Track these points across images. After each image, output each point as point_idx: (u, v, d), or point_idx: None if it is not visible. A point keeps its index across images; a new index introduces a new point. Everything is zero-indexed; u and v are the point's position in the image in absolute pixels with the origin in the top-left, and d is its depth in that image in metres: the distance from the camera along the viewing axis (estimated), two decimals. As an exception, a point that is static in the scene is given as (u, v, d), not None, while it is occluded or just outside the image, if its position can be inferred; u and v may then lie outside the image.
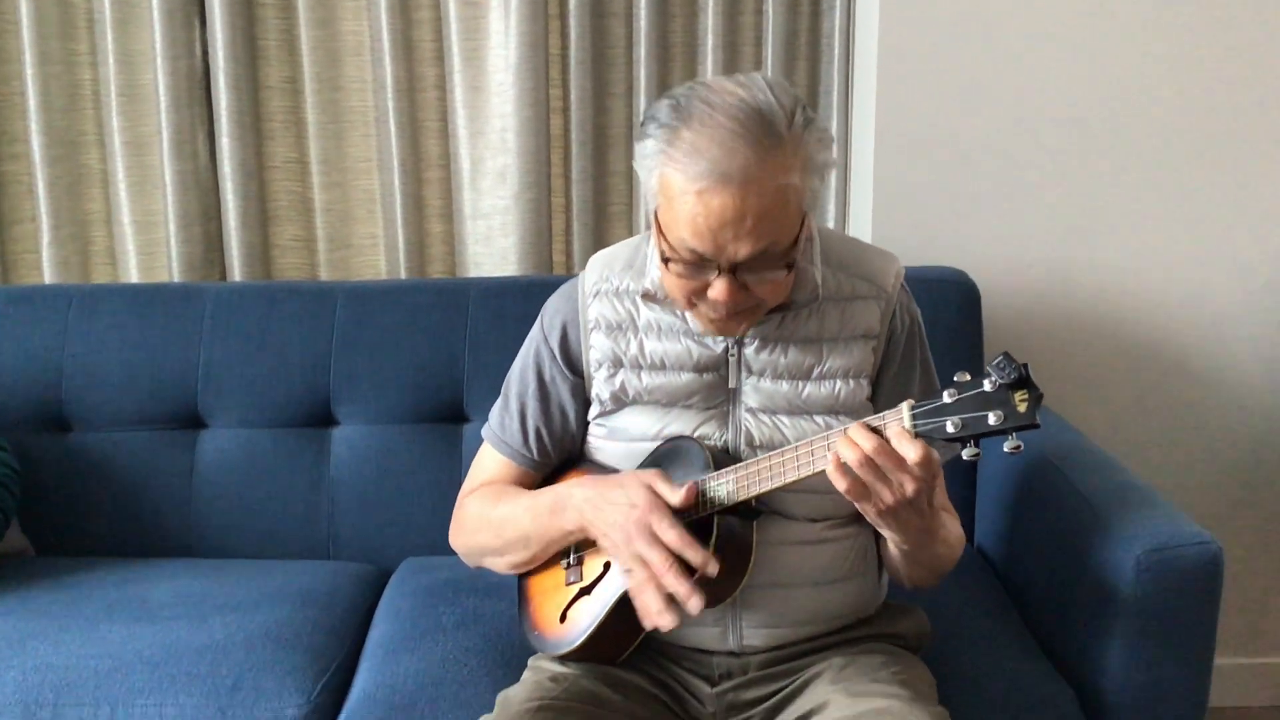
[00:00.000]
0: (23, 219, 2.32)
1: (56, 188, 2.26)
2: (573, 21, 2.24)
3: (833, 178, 2.33)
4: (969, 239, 2.17)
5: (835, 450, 1.22)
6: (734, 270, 1.26)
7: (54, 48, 2.23)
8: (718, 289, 1.27)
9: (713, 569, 1.26)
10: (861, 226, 2.23)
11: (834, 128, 2.31)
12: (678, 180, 1.24)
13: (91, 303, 2.04)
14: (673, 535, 1.27)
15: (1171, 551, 1.48)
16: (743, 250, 1.24)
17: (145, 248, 2.31)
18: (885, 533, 1.32)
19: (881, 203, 2.17)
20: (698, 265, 1.27)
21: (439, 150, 2.34)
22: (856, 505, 1.25)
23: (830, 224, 2.35)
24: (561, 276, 2.09)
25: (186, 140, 2.25)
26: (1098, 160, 2.16)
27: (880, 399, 1.44)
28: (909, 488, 1.21)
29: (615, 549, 1.33)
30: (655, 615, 1.26)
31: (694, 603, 1.24)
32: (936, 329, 1.60)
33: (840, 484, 1.22)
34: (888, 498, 1.22)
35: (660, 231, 1.30)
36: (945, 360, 1.55)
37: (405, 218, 2.30)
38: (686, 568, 1.26)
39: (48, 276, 2.28)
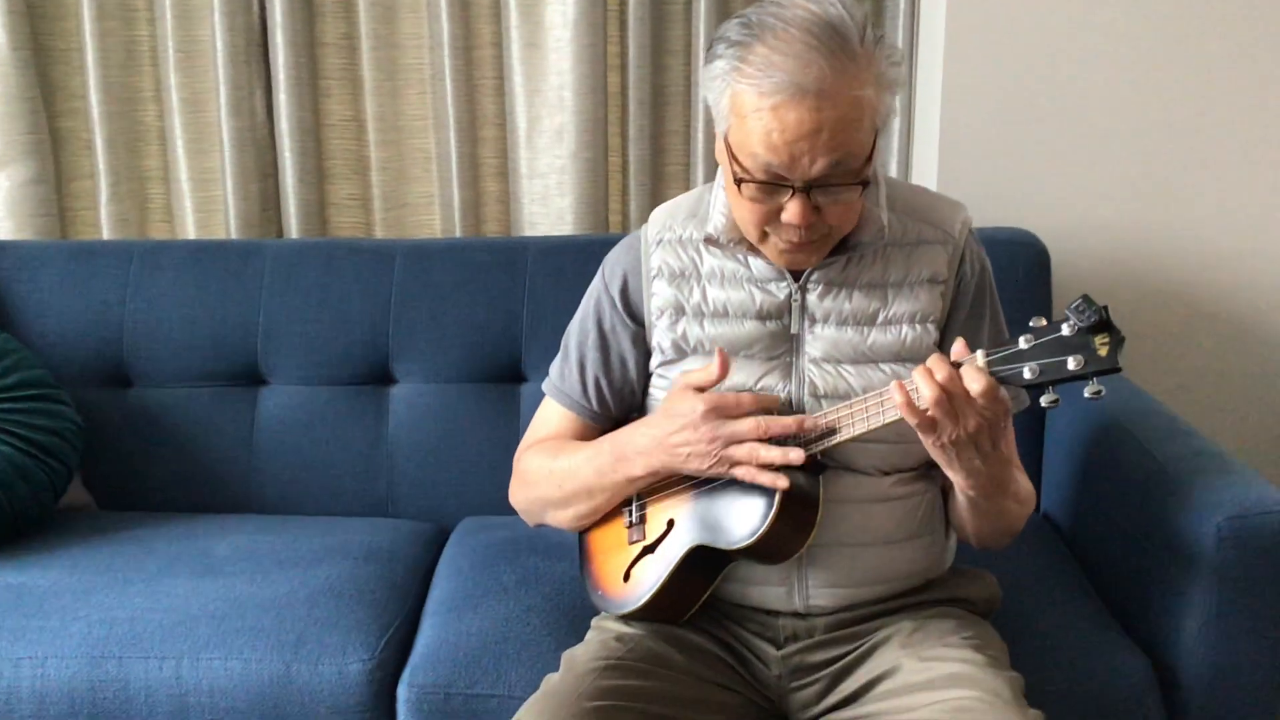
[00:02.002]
0: (81, 175, 2.32)
1: (115, 144, 2.27)
2: (632, -24, 2.21)
3: (895, 134, 2.28)
4: (1038, 199, 2.12)
5: (911, 384, 1.21)
6: (808, 190, 1.25)
7: (111, 3, 2.23)
8: (791, 211, 1.26)
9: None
10: (926, 184, 2.17)
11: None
12: (750, 96, 1.22)
13: (153, 258, 2.04)
14: (744, 398, 1.33)
15: (1254, 519, 1.44)
16: (818, 164, 1.23)
17: (202, 205, 2.31)
18: (951, 474, 1.30)
19: (947, 160, 2.12)
20: (771, 186, 1.26)
21: (495, 108, 2.32)
22: (920, 437, 1.24)
23: (892, 183, 2.30)
24: (618, 235, 2.07)
25: (244, 97, 2.24)
26: (1172, 118, 2.10)
27: (948, 347, 1.40)
28: (970, 423, 1.20)
29: (705, 459, 1.33)
30: (783, 458, 1.29)
31: (806, 422, 1.31)
32: (1004, 290, 1.56)
33: (912, 419, 1.21)
34: (949, 430, 1.21)
35: (731, 154, 1.28)
36: (1012, 323, 1.51)
37: (461, 177, 2.28)
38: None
39: (106, 233, 2.29)
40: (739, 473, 1.32)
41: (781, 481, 1.29)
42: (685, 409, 1.34)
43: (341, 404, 2.01)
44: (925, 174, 2.20)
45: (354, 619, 1.60)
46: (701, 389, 1.35)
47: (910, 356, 1.38)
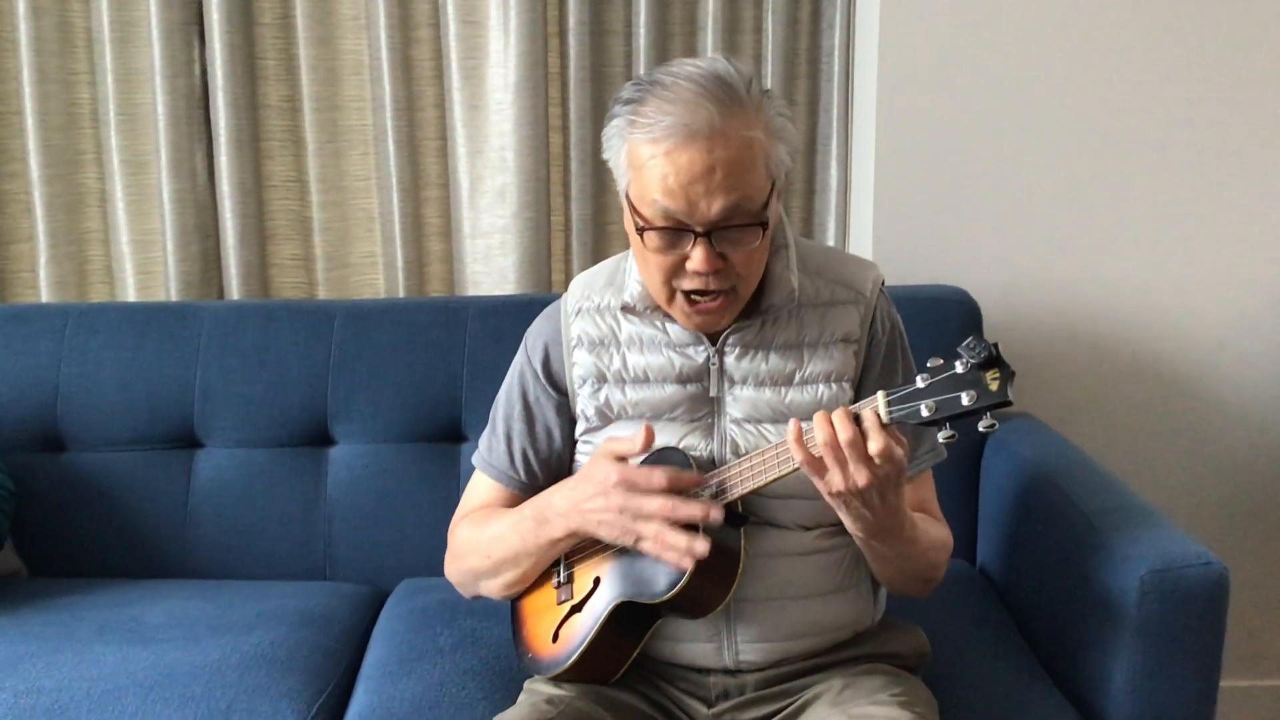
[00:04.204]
0: (20, 238, 2.31)
1: (54, 206, 2.26)
2: (572, 39, 2.24)
3: (833, 196, 2.32)
4: (970, 257, 2.16)
5: (802, 423, 1.24)
6: (709, 235, 1.27)
7: (52, 66, 2.23)
8: (696, 258, 1.28)
9: (708, 496, 1.31)
10: (862, 244, 2.22)
11: (834, 145, 2.31)
12: (644, 146, 1.27)
13: (88, 321, 2.03)
14: (655, 476, 1.31)
15: (1175, 572, 1.46)
16: (715, 205, 1.26)
17: (143, 266, 2.30)
18: (841, 516, 1.32)
19: (882, 221, 2.16)
20: (673, 233, 1.29)
21: (438, 169, 2.34)
22: (811, 479, 1.26)
23: (830, 242, 2.34)
24: (561, 294, 2.08)
25: (185, 159, 2.25)
26: (1099, 177, 2.15)
27: None
28: (861, 479, 1.22)
29: (613, 528, 1.33)
30: (688, 550, 1.27)
31: (715, 512, 1.28)
32: (935, 347, 1.57)
33: (798, 455, 1.24)
34: (838, 481, 1.23)
35: (633, 207, 1.31)
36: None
37: (404, 236, 2.30)
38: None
39: (45, 295, 2.28)
40: (645, 547, 1.31)
41: (686, 562, 1.28)
42: (600, 475, 1.34)
43: (279, 466, 2.00)
44: (861, 235, 2.24)
45: (286, 685, 1.59)
46: (623, 457, 1.36)
47: None
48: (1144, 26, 2.10)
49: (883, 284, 1.47)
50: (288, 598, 1.84)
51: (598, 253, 2.35)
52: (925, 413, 1.19)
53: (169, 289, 2.28)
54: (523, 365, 1.53)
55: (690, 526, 1.29)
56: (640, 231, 1.31)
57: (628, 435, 1.41)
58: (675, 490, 1.31)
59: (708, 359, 1.42)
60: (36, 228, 2.26)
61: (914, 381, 1.20)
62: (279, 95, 2.29)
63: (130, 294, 2.30)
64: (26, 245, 2.31)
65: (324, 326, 2.03)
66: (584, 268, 2.31)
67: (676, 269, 1.32)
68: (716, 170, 1.25)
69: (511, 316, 2.01)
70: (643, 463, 1.39)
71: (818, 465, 1.24)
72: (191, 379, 2.00)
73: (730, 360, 1.42)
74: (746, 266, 1.33)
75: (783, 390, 1.41)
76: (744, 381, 1.42)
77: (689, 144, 1.24)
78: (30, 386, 1.99)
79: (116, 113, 2.24)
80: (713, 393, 1.42)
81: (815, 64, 2.32)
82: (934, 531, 1.44)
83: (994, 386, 1.16)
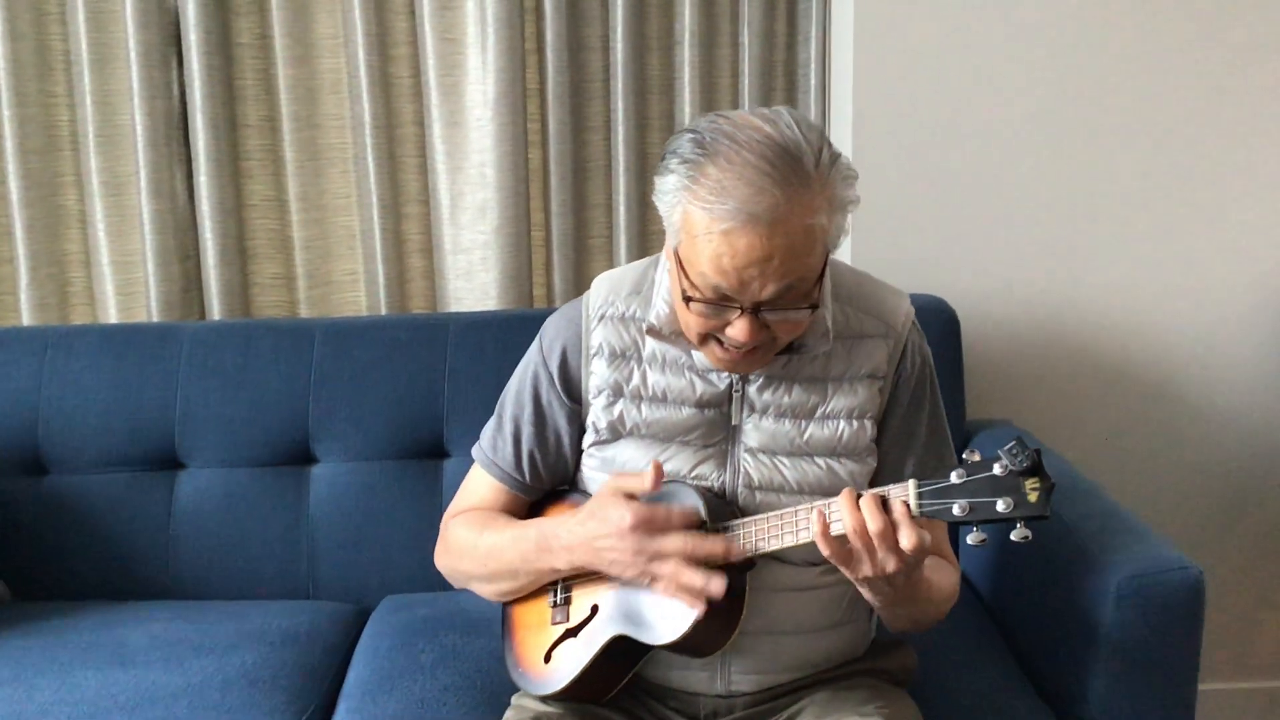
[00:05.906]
0: (0, 261, 2.31)
1: (34, 229, 2.26)
2: (550, 56, 2.25)
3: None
4: (947, 266, 2.17)
5: (830, 514, 1.22)
6: (756, 310, 1.24)
7: (31, 89, 2.23)
8: (738, 328, 1.25)
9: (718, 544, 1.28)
10: (839, 254, 2.22)
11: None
12: (702, 219, 1.21)
13: (68, 344, 2.03)
14: (673, 513, 1.29)
15: (1151, 578, 1.47)
16: (768, 289, 1.22)
17: (124, 287, 2.30)
18: (863, 592, 1.31)
19: (859, 230, 2.17)
20: (720, 304, 1.25)
21: (418, 186, 2.34)
22: (837, 565, 1.24)
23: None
24: (542, 310, 2.09)
25: (164, 180, 2.25)
26: (1077, 186, 2.17)
27: (885, 441, 1.41)
28: (890, 566, 1.21)
29: (627, 568, 1.31)
30: (704, 589, 1.25)
31: (734, 548, 1.28)
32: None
33: (825, 550, 1.22)
34: (866, 569, 1.22)
35: (681, 267, 1.27)
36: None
37: (385, 254, 2.30)
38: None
39: (26, 318, 2.27)
40: (658, 588, 1.29)
41: (699, 604, 1.26)
42: (614, 516, 1.30)
43: (261, 485, 2.00)
44: (839, 243, 2.24)
45: (268, 705, 1.59)
46: (632, 495, 1.32)
47: (846, 452, 1.39)
48: (1119, 37, 2.11)
49: (914, 317, 1.43)
50: (270, 617, 1.84)
51: (579, 267, 2.36)
52: (957, 512, 1.16)
53: (150, 310, 2.28)
54: (537, 365, 1.48)
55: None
56: (686, 298, 1.27)
57: (636, 463, 1.39)
58: (690, 526, 1.29)
59: (730, 386, 1.39)
60: (16, 250, 2.25)
61: (948, 476, 1.17)
62: (258, 115, 2.29)
63: (112, 315, 2.30)
64: (7, 268, 2.30)
65: (304, 345, 2.03)
66: (565, 282, 2.33)
67: (716, 329, 1.28)
68: (774, 258, 1.19)
69: (492, 332, 2.02)
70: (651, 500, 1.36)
71: (844, 556, 1.22)
72: (172, 400, 2.00)
73: (753, 390, 1.39)
74: (789, 333, 1.30)
75: (803, 424, 1.38)
76: (765, 412, 1.38)
77: (749, 229, 1.18)
78: (11, 410, 1.99)
79: (95, 135, 2.23)
80: (733, 421, 1.39)
81: (792, 77, 2.33)
82: (946, 584, 1.41)
83: (1033, 497, 1.13)
